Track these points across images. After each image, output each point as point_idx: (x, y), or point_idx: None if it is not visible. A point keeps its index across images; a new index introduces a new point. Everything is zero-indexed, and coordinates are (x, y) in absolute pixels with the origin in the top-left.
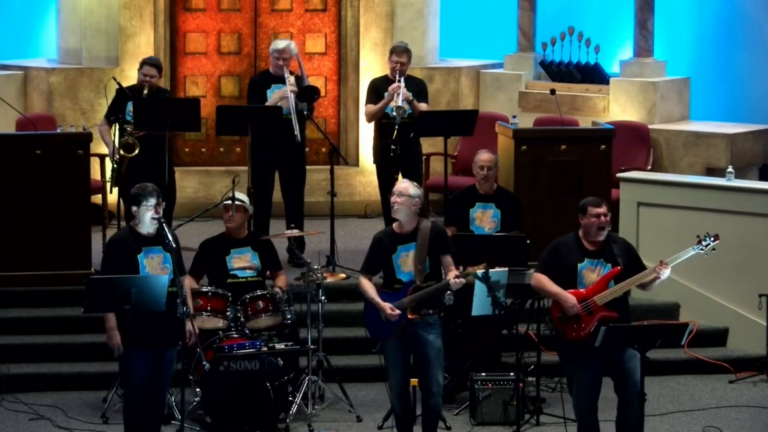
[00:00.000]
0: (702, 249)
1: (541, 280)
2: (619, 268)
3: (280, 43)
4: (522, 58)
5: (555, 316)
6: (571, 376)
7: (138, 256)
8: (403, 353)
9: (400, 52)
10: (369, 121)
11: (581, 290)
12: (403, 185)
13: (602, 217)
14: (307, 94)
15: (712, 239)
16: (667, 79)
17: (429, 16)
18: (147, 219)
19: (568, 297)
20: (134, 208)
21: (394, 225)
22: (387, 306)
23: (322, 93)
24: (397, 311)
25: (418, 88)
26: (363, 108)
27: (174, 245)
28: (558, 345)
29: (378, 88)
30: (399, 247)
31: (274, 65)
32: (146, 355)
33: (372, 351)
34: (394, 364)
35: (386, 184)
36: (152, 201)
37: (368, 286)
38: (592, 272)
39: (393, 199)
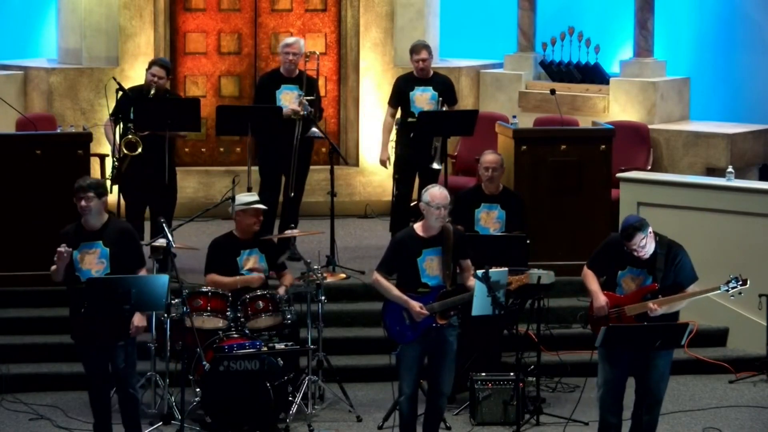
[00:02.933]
0: (728, 290)
1: (586, 275)
2: (655, 285)
3: (290, 39)
4: (522, 58)
5: (591, 312)
6: (599, 376)
7: (74, 251)
8: (421, 357)
9: (419, 50)
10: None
11: (619, 295)
12: (443, 194)
13: (638, 251)
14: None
15: (740, 284)
16: (667, 79)
17: (429, 16)
18: (85, 212)
19: (600, 299)
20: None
21: (417, 227)
22: (417, 304)
23: (322, 93)
24: (425, 311)
25: (445, 87)
26: (364, 107)
27: (173, 245)
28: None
29: (402, 89)
30: (424, 251)
31: (285, 61)
32: (94, 349)
33: (392, 353)
34: (410, 368)
35: (405, 180)
36: (81, 194)
37: (390, 285)
38: (632, 281)
39: (440, 212)
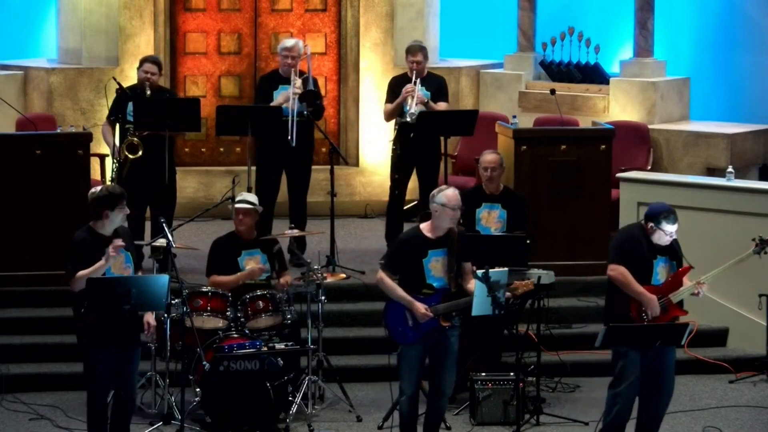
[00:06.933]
0: (758, 252)
1: (625, 274)
2: (689, 266)
3: (289, 42)
4: (522, 58)
5: (634, 310)
6: (620, 369)
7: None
8: (422, 358)
9: (414, 52)
10: (386, 120)
11: (656, 286)
12: (458, 196)
13: (673, 235)
14: (308, 98)
15: (766, 243)
16: (667, 79)
17: (429, 16)
18: (118, 221)
19: (652, 298)
20: (107, 211)
21: (424, 227)
22: (422, 306)
23: (322, 93)
24: (430, 313)
25: (436, 87)
26: (364, 107)
27: (173, 245)
28: (608, 338)
29: (395, 88)
30: (430, 252)
31: (283, 64)
32: (111, 355)
33: (391, 353)
34: (411, 368)
35: (403, 180)
36: (124, 203)
37: (394, 285)
38: (664, 269)
39: (455, 214)
